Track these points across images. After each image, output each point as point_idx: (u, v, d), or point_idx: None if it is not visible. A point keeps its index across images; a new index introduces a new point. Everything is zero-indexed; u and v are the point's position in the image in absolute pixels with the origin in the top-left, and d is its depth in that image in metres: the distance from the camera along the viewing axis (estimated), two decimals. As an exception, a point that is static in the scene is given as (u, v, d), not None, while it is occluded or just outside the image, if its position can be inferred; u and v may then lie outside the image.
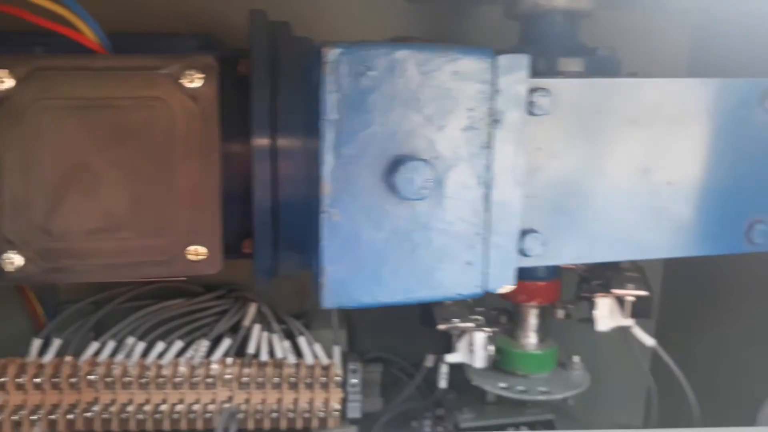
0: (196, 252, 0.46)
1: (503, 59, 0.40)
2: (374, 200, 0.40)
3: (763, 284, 0.67)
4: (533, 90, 0.43)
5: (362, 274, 0.41)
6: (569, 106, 0.45)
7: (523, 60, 0.41)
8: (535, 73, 0.47)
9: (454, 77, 0.40)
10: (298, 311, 0.75)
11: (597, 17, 0.58)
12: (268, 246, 0.51)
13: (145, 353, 0.66)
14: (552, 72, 0.56)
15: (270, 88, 0.47)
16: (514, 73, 0.41)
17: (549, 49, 0.55)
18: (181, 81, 0.43)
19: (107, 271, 0.45)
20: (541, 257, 0.46)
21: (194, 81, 0.43)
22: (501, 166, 0.42)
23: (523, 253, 0.46)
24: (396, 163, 0.40)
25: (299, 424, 0.67)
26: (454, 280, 0.43)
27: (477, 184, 0.42)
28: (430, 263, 0.42)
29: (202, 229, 0.45)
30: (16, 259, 0.43)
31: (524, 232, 0.46)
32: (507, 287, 0.44)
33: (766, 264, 0.66)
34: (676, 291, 0.83)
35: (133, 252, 0.45)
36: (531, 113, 0.44)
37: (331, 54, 0.38)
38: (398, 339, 0.77)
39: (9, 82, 0.42)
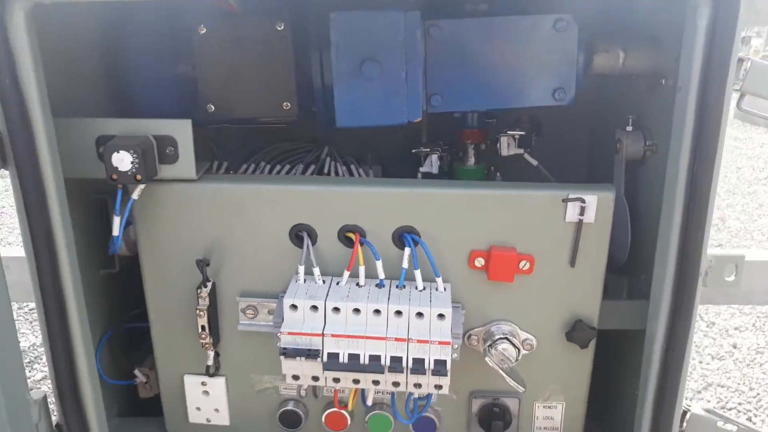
0: (287, 105, 1.02)
1: (408, 15, 0.91)
2: (356, 77, 0.94)
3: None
4: (430, 25, 0.94)
5: (352, 109, 0.96)
6: (451, 33, 0.95)
7: (417, 16, 0.92)
8: (463, 13, 0.96)
9: (389, 24, 0.92)
10: (357, 154, 1.31)
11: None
12: (323, 106, 1.06)
13: (270, 171, 1.25)
14: (476, 12, 1.04)
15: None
16: (414, 20, 0.92)
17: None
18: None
19: (242, 116, 1.03)
20: (441, 107, 0.98)
21: (281, 28, 0.97)
22: (412, 61, 0.94)
23: (431, 105, 0.98)
24: (362, 62, 0.93)
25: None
26: (394, 114, 0.96)
27: (400, 70, 0.94)
28: (383, 106, 0.96)
29: (287, 94, 1.01)
30: (211, 108, 1.02)
31: (430, 95, 0.98)
32: (418, 119, 0.97)
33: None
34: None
35: (260, 105, 1.01)
36: (429, 36, 0.95)
37: (334, 15, 0.91)
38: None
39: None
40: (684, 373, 0.92)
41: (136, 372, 1.14)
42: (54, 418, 0.99)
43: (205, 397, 1.06)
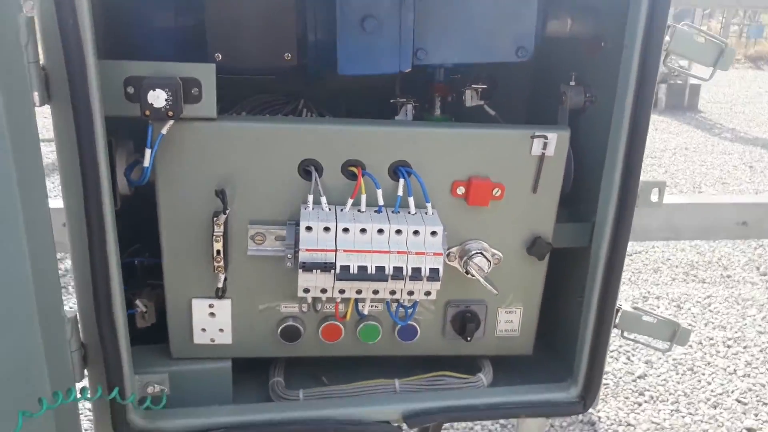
0: (288, 56, 1.14)
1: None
2: (356, 31, 1.09)
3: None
4: (418, -11, 1.11)
5: (353, 59, 1.10)
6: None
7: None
8: None
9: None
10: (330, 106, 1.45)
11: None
12: (314, 58, 1.19)
13: (251, 119, 1.36)
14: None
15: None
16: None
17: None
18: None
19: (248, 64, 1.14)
20: (426, 60, 1.15)
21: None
22: (405, 19, 1.10)
23: (417, 58, 1.15)
24: (363, 19, 1.08)
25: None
26: (389, 64, 1.12)
27: (394, 25, 1.10)
28: (380, 55, 1.11)
29: (289, 46, 1.14)
30: (219, 56, 1.12)
31: (417, 49, 1.14)
32: (407, 69, 1.13)
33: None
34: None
35: (265, 55, 1.13)
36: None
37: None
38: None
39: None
40: (620, 278, 1.16)
41: (137, 302, 1.23)
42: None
43: (211, 319, 1.18)
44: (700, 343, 3.73)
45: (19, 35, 0.84)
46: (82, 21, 0.87)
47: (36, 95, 0.89)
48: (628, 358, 3.51)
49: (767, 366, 3.48)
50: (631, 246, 4.80)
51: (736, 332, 3.84)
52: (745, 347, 3.67)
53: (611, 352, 3.52)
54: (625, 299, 4.06)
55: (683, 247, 4.97)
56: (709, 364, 3.51)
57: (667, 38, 1.07)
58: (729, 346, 3.69)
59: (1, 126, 0.80)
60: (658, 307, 4.14)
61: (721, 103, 10.27)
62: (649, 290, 4.44)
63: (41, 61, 0.90)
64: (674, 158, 7.09)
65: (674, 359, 3.58)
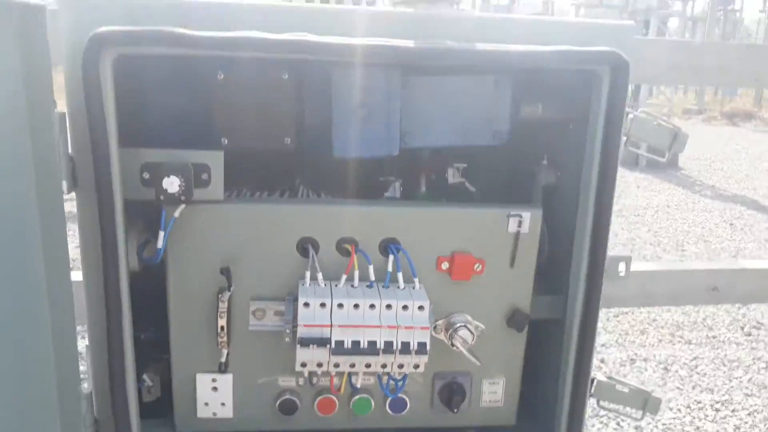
0: (288, 140, 1.25)
1: (392, 71, 1.19)
2: (350, 118, 1.19)
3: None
4: (406, 80, 1.22)
5: (346, 143, 1.21)
6: (421, 86, 1.24)
7: (398, 72, 1.19)
8: (431, 71, 1.26)
9: (377, 78, 1.19)
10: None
11: None
12: (312, 142, 1.29)
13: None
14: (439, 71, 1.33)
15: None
16: (395, 74, 1.20)
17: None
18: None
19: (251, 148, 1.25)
20: (412, 143, 1.26)
21: (285, 82, 1.22)
22: (393, 107, 1.21)
23: (404, 142, 1.26)
24: (356, 106, 1.19)
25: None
26: (379, 148, 1.23)
27: (384, 114, 1.21)
28: (371, 140, 1.21)
29: (289, 131, 1.24)
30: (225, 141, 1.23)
31: (404, 133, 1.25)
32: (396, 153, 1.24)
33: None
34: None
35: (267, 139, 1.23)
36: (405, 88, 1.23)
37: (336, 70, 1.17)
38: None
39: None
40: (593, 349, 1.24)
41: (145, 377, 1.29)
42: (88, 413, 1.13)
43: (214, 393, 1.24)
44: (689, 407, 3.76)
45: (53, 130, 0.94)
46: (109, 115, 0.97)
47: (64, 184, 0.98)
48: (618, 424, 3.53)
49: (756, 430, 3.51)
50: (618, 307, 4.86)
51: (723, 395, 3.88)
52: (733, 410, 3.70)
53: (600, 417, 3.55)
54: (613, 362, 4.11)
55: (669, 307, 5.04)
56: (698, 429, 3.53)
57: (631, 116, 1.19)
58: (717, 410, 3.72)
59: (33, 214, 0.89)
60: (646, 370, 4.18)
61: (701, 159, 10.56)
62: (637, 352, 4.48)
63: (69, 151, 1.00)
64: (657, 216, 7.25)
65: (663, 424, 3.60)
